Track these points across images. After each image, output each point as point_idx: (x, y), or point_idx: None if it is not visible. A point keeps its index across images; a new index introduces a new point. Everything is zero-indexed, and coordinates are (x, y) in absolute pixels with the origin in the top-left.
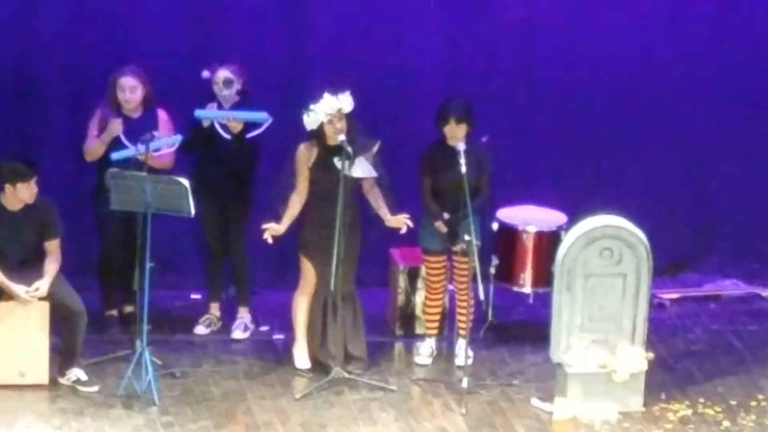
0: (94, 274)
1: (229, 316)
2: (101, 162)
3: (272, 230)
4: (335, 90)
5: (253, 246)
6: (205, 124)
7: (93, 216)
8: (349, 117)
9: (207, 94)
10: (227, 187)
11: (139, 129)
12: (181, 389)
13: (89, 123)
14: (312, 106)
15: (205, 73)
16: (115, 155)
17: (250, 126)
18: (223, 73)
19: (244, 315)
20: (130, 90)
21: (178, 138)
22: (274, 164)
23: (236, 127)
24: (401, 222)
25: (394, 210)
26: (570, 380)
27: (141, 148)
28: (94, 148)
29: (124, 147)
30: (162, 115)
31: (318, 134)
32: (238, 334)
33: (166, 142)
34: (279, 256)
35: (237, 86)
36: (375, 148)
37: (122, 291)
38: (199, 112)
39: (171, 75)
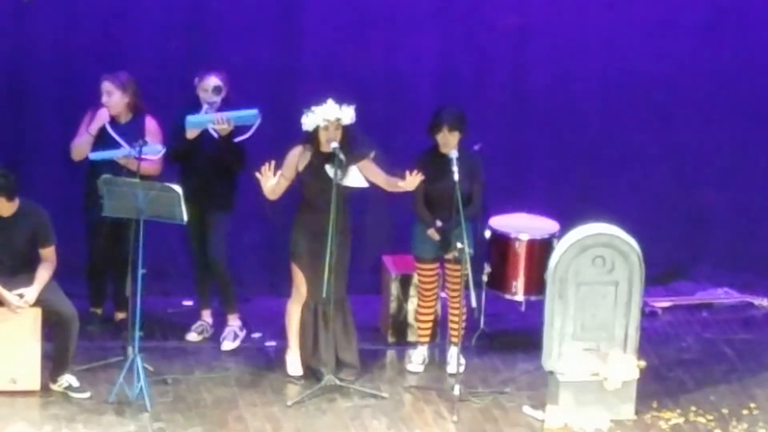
0: (84, 280)
1: (221, 323)
2: (90, 168)
3: (266, 174)
4: (341, 99)
5: (246, 253)
6: (191, 135)
7: (82, 222)
8: (347, 128)
9: (198, 100)
10: (209, 193)
11: (126, 135)
12: (173, 396)
13: (80, 124)
14: (313, 108)
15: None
16: (93, 155)
17: (238, 130)
18: (213, 80)
19: (233, 322)
20: (107, 94)
21: (161, 149)
22: None
23: (226, 130)
24: (414, 178)
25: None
26: (562, 388)
27: (125, 152)
28: (81, 142)
29: (113, 145)
30: (150, 122)
31: (312, 138)
32: (227, 345)
33: (149, 150)
34: (272, 263)
35: (224, 93)
36: (370, 157)
37: (105, 292)
38: (190, 119)
39: (161, 81)
